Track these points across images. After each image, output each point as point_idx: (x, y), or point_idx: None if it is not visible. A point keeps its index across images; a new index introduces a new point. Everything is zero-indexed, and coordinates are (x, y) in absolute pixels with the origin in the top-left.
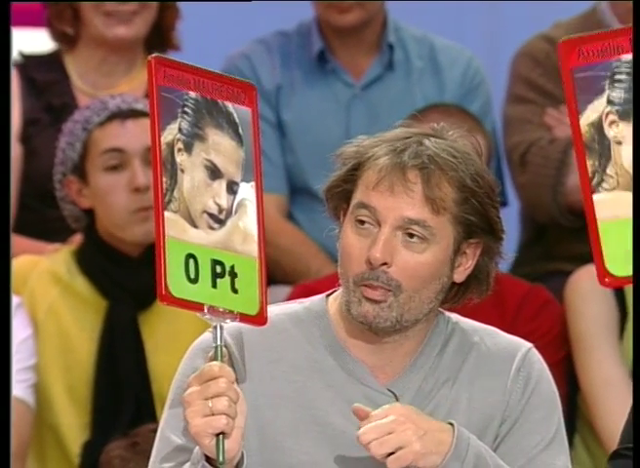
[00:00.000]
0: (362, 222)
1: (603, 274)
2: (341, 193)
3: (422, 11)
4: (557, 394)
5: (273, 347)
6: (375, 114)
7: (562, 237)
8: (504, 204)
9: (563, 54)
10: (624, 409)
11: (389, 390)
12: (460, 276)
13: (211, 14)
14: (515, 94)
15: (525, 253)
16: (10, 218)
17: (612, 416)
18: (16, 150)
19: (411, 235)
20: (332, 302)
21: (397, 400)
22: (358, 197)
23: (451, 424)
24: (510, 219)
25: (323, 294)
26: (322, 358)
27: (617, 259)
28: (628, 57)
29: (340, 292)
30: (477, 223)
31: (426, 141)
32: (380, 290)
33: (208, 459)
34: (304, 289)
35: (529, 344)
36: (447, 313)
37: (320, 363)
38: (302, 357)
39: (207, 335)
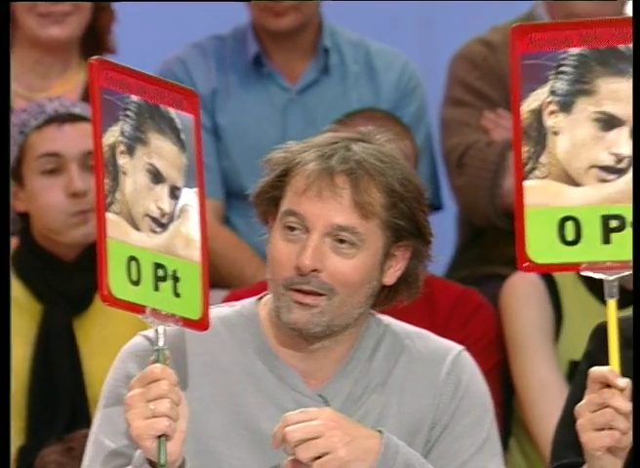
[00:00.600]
0: (291, 229)
1: (523, 258)
2: (270, 199)
3: (358, 15)
4: (489, 397)
5: (205, 351)
6: (311, 118)
7: (498, 240)
8: (440, 207)
9: (514, 39)
10: (559, 411)
11: (320, 396)
12: (389, 279)
13: (146, 17)
14: (453, 96)
15: (461, 257)
16: (9, 220)
17: (547, 419)
18: None
19: (340, 241)
20: (262, 307)
21: (328, 406)
22: (287, 204)
23: (380, 432)
24: (447, 223)
25: (254, 298)
26: (253, 363)
27: (538, 246)
28: (575, 50)
29: (269, 297)
30: (406, 227)
31: (354, 146)
32: (312, 295)
33: (149, 463)
34: (235, 298)
35: (460, 347)
36: (379, 315)
37: (251, 368)
38: (234, 361)
39: (137, 339)
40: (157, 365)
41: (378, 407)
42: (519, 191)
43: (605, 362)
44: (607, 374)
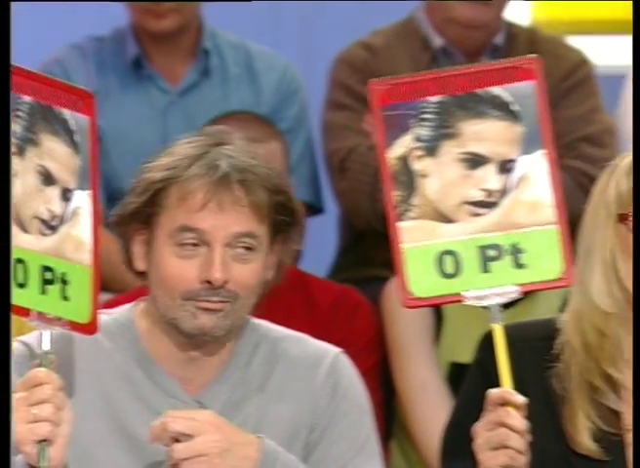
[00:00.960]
0: (186, 244)
1: (405, 295)
2: (142, 217)
3: (237, 17)
4: (366, 399)
5: (86, 357)
6: (192, 121)
7: (379, 243)
8: (321, 210)
9: (374, 93)
10: (440, 413)
11: (198, 402)
12: (269, 273)
13: (23, 17)
14: (334, 100)
15: (343, 259)
16: (10, 219)
17: (428, 421)
18: None
19: (239, 248)
20: (139, 314)
21: None
22: (179, 220)
23: (260, 438)
24: (328, 226)
25: (129, 305)
26: (130, 370)
27: (419, 282)
28: (435, 98)
29: (145, 304)
30: (287, 221)
31: (230, 152)
32: (219, 302)
33: None
34: (112, 305)
35: (337, 350)
36: (255, 320)
37: (129, 374)
38: (112, 368)
39: (14, 345)
40: (41, 369)
41: (256, 412)
42: (394, 233)
43: (495, 369)
44: (504, 394)
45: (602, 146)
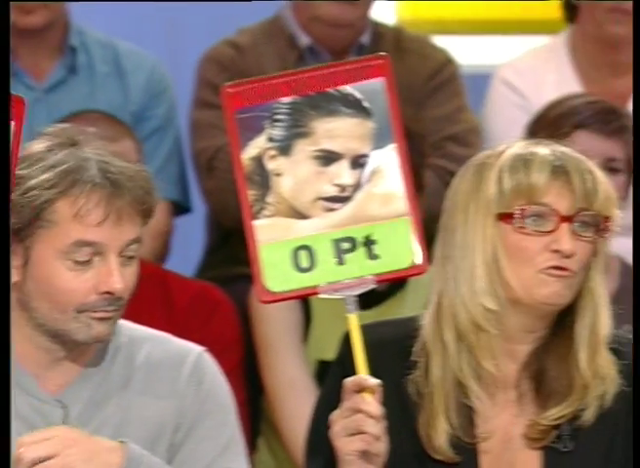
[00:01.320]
0: (79, 256)
1: (262, 291)
2: (21, 234)
3: (102, 15)
4: (230, 397)
5: None
6: (58, 118)
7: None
8: (189, 209)
9: (226, 97)
10: (308, 410)
11: (58, 401)
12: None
13: None
14: (201, 98)
15: (211, 258)
16: (10, 218)
17: (296, 418)
18: None
19: (128, 253)
20: None
21: (67, 410)
22: (74, 236)
23: (124, 442)
24: (196, 225)
25: None
26: None
27: (275, 277)
28: (286, 99)
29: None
30: (150, 217)
31: (104, 158)
32: (112, 311)
33: None
34: None
35: (200, 348)
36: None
37: None
38: None
39: None
40: None
41: (119, 411)
42: (249, 231)
43: (354, 365)
44: (359, 380)
45: (467, 145)
